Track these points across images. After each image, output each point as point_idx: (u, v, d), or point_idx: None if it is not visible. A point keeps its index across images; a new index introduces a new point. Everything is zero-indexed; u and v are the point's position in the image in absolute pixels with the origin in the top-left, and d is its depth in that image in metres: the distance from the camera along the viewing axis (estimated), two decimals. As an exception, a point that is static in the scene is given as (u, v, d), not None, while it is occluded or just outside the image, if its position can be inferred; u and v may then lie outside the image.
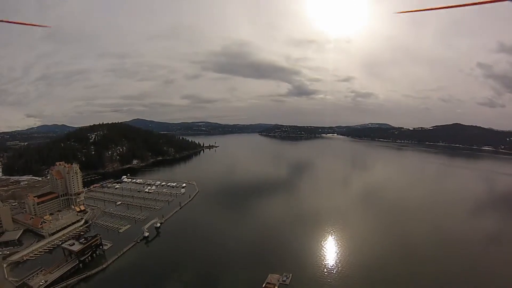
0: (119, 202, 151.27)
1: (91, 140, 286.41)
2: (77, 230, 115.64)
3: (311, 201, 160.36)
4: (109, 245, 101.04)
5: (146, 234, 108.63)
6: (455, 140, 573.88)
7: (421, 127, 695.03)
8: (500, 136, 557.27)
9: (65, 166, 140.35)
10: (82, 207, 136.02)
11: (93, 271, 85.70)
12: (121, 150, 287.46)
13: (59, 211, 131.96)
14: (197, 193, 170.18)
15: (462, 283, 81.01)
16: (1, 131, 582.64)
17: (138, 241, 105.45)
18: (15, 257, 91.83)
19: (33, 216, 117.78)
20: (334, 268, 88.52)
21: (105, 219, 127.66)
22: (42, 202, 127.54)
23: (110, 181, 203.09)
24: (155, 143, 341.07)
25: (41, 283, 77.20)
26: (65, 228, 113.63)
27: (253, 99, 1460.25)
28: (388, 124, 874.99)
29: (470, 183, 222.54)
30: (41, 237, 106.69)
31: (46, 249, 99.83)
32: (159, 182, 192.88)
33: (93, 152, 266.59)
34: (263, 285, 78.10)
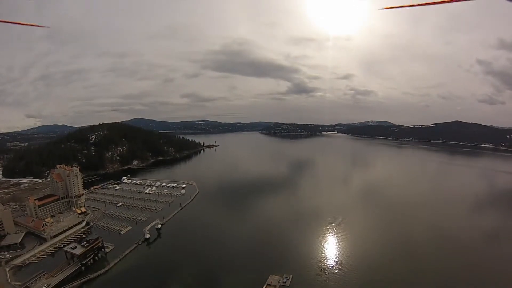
0: (120, 204, 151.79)
1: (91, 141, 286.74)
2: (79, 232, 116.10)
3: (312, 200, 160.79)
4: (110, 247, 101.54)
5: (147, 236, 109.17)
6: (455, 137, 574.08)
7: (421, 125, 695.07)
8: (500, 133, 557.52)
9: (65, 169, 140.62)
10: (83, 209, 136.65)
11: (95, 274, 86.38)
12: (121, 150, 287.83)
13: (60, 213, 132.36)
14: (197, 193, 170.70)
15: (462, 281, 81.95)
16: (1, 132, 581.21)
17: (140, 243, 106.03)
18: (17, 261, 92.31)
19: (35, 219, 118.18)
20: (335, 269, 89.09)
21: (106, 221, 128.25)
22: (43, 204, 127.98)
23: (110, 182, 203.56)
24: (155, 143, 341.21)
25: (44, 287, 77.71)
26: (66, 230, 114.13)
27: (252, 98, 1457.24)
28: (388, 122, 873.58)
29: (470, 182, 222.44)
30: (43, 240, 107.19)
31: (48, 252, 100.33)
32: (159, 183, 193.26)
33: (93, 153, 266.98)
34: (264, 287, 78.77)
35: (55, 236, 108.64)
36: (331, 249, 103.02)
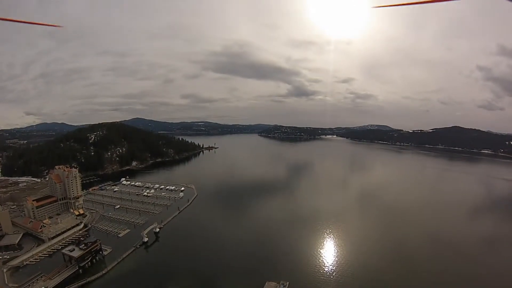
0: (118, 206, 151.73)
1: (90, 141, 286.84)
2: (77, 234, 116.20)
3: (310, 205, 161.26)
4: (108, 250, 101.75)
5: (146, 239, 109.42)
6: (454, 143, 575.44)
7: (420, 130, 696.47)
8: (499, 139, 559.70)
9: (64, 170, 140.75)
10: (81, 211, 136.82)
11: (93, 277, 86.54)
12: (120, 151, 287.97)
13: (58, 214, 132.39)
14: (195, 197, 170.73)
15: (458, 285, 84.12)
16: (0, 129, 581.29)
17: (138, 246, 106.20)
18: (15, 262, 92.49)
19: (32, 220, 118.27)
20: (332, 276, 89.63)
21: (104, 223, 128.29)
22: (41, 205, 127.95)
23: (108, 183, 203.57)
24: (155, 144, 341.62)
25: (41, 289, 77.94)
26: (64, 232, 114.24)
27: (252, 100, 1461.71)
28: (388, 126, 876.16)
29: (467, 188, 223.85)
30: (40, 241, 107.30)
31: (45, 254, 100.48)
32: (158, 185, 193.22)
33: (92, 153, 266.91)
34: (261, 293, 79.07)
35: (53, 238, 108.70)
36: (328, 255, 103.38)
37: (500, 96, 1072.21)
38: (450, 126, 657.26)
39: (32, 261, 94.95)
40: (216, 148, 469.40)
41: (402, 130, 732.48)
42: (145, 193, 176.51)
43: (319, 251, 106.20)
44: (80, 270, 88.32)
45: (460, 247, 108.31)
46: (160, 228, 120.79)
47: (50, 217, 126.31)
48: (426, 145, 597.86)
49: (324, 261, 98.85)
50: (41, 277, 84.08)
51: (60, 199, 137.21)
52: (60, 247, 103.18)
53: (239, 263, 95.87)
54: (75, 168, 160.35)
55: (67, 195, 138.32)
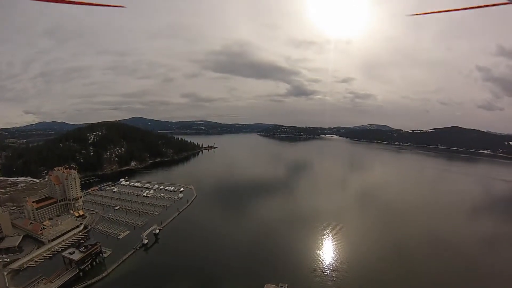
0: (117, 207, 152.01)
1: (89, 141, 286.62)
2: (77, 236, 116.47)
3: (309, 205, 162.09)
4: (108, 252, 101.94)
5: (145, 241, 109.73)
6: (453, 143, 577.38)
7: (420, 130, 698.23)
8: (498, 139, 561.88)
9: (63, 172, 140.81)
10: (81, 212, 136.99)
11: (93, 280, 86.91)
12: (119, 151, 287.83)
13: (58, 216, 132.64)
14: (195, 197, 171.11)
15: (457, 284, 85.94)
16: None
17: (137, 248, 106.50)
18: (15, 265, 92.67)
19: (32, 222, 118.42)
20: (331, 279, 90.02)
21: (104, 225, 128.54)
22: (41, 207, 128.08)
23: (108, 184, 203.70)
24: (154, 144, 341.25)
25: (41, 293, 78.27)
26: (64, 234, 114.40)
27: (252, 99, 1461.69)
28: (387, 126, 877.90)
29: (466, 189, 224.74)
30: (40, 243, 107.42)
31: (46, 256, 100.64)
32: (157, 186, 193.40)
33: (91, 153, 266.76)
34: (260, 296, 79.56)
35: (53, 240, 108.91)
36: (327, 256, 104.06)
37: (500, 96, 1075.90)
38: (450, 126, 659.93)
39: (33, 264, 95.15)
40: (215, 147, 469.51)
41: (401, 130, 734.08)
42: (145, 194, 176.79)
43: (318, 252, 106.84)
44: (81, 273, 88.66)
45: (459, 248, 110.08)
46: (159, 229, 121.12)
47: (50, 219, 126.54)
48: (426, 145, 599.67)
49: (323, 262, 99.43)
50: (42, 280, 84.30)
51: (59, 200, 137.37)
52: (60, 249, 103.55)
53: (238, 265, 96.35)
54: (74, 169, 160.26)
55: (67, 196, 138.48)
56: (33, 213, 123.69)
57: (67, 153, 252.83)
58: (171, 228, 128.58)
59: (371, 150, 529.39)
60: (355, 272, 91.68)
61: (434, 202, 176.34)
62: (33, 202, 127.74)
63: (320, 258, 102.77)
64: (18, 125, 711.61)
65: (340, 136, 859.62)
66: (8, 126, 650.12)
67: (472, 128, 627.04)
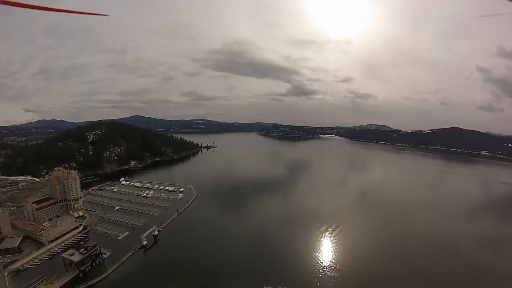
0: (117, 207, 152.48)
1: (89, 140, 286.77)
2: (76, 237, 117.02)
3: (308, 206, 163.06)
4: (108, 253, 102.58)
5: (145, 242, 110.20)
6: (452, 144, 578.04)
7: (419, 130, 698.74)
8: (498, 141, 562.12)
9: (63, 172, 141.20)
10: (81, 213, 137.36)
11: (93, 281, 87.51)
12: (119, 150, 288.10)
13: (57, 216, 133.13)
14: (194, 198, 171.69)
15: (455, 284, 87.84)
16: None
17: (137, 249, 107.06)
18: (15, 266, 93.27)
19: (32, 223, 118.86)
20: (330, 281, 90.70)
21: (104, 225, 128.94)
22: (41, 208, 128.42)
23: (108, 183, 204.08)
24: (153, 143, 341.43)
25: (42, 294, 78.88)
26: (64, 235, 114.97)
27: (252, 98, 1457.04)
28: (387, 126, 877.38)
29: (465, 190, 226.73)
30: (40, 244, 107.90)
31: (45, 257, 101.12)
32: (157, 186, 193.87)
33: (91, 153, 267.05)
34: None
35: (52, 241, 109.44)
36: (326, 258, 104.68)
37: (500, 97, 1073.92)
38: (449, 127, 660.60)
39: (33, 265, 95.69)
40: (214, 147, 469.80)
41: (401, 131, 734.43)
42: (144, 194, 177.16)
43: (317, 254, 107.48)
44: (81, 274, 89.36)
45: (458, 248, 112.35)
46: (159, 231, 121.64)
47: (49, 219, 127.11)
48: (425, 146, 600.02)
49: (322, 265, 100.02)
50: (42, 281, 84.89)
51: (59, 201, 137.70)
52: (60, 250, 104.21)
53: (238, 266, 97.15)
54: (74, 168, 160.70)
55: (67, 197, 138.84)
56: (33, 214, 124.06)
57: (66, 152, 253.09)
58: (171, 229, 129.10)
59: (370, 151, 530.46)
60: (355, 275, 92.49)
61: (433, 203, 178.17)
62: (33, 202, 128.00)
63: (319, 260, 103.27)
64: (17, 123, 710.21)
65: (339, 136, 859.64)
66: (7, 124, 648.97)
67: (472, 129, 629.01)
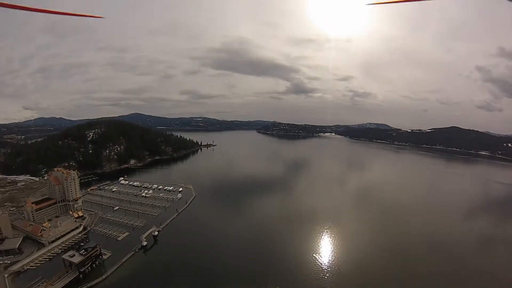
0: (117, 207, 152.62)
1: (88, 138, 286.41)
2: (77, 237, 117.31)
3: (307, 205, 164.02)
4: (108, 254, 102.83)
5: (144, 243, 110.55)
6: (452, 143, 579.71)
7: (419, 129, 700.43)
8: (497, 141, 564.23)
9: (63, 172, 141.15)
10: (80, 213, 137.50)
11: (94, 282, 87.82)
12: (118, 149, 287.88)
13: (57, 217, 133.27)
14: (193, 198, 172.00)
15: (454, 284, 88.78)
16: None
17: (137, 250, 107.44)
18: (16, 267, 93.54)
19: (32, 223, 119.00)
20: (329, 281, 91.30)
21: (103, 226, 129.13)
22: (40, 208, 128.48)
23: (107, 183, 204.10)
24: (153, 141, 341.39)
25: (42, 296, 79.22)
26: (64, 235, 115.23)
27: (251, 96, 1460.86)
28: (386, 125, 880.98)
29: (463, 190, 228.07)
30: (40, 245, 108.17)
31: (46, 258, 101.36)
32: (156, 186, 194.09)
33: (90, 151, 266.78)
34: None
35: (52, 242, 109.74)
36: (326, 259, 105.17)
37: (499, 97, 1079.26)
38: (449, 126, 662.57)
39: (33, 266, 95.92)
40: (214, 145, 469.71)
41: (400, 130, 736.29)
42: (144, 194, 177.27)
43: (316, 255, 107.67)
44: (81, 275, 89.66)
45: (457, 248, 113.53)
46: (158, 231, 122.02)
47: (49, 220, 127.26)
48: (424, 145, 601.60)
49: (320, 266, 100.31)
50: (43, 282, 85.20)
51: (59, 201, 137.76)
52: (60, 251, 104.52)
53: (237, 267, 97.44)
54: (74, 168, 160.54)
55: (66, 197, 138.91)
56: (32, 214, 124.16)
57: (66, 151, 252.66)
58: (170, 229, 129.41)
59: (370, 150, 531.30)
60: (354, 272, 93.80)
61: (432, 203, 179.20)
62: (32, 203, 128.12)
63: (318, 261, 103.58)
64: (16, 121, 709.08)
65: (339, 134, 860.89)
66: (6, 122, 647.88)
67: (471, 128, 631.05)
